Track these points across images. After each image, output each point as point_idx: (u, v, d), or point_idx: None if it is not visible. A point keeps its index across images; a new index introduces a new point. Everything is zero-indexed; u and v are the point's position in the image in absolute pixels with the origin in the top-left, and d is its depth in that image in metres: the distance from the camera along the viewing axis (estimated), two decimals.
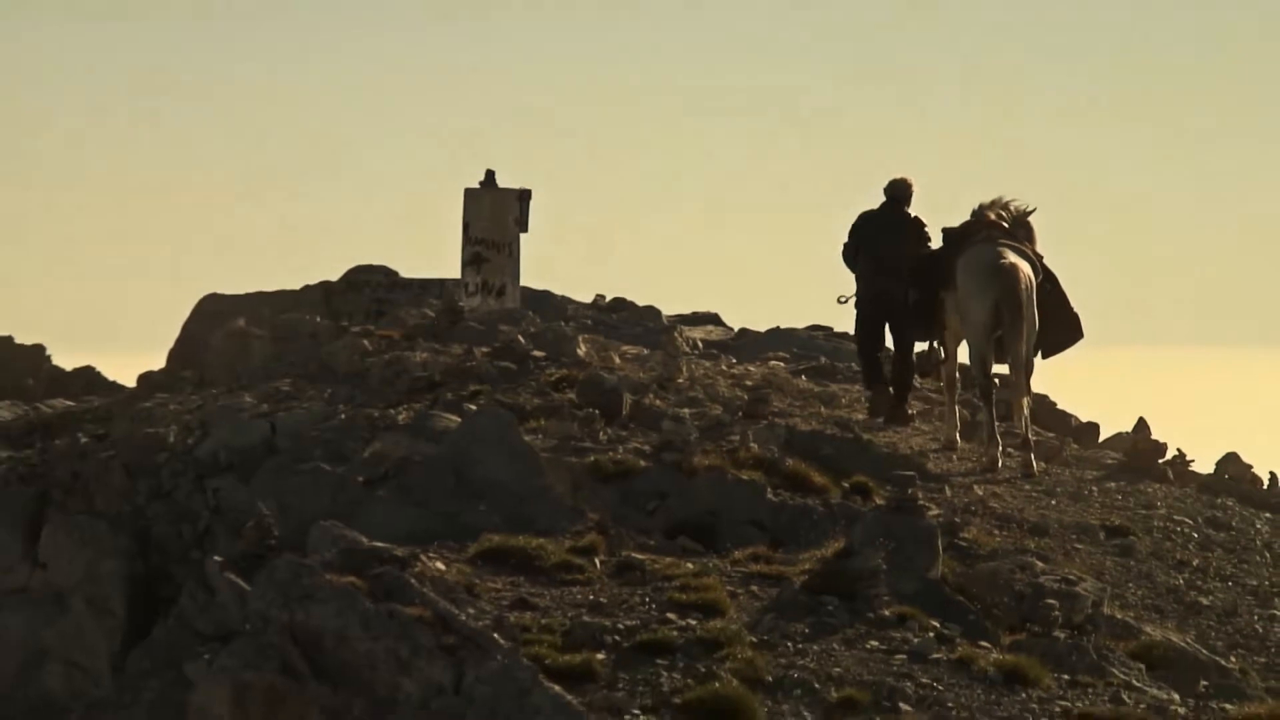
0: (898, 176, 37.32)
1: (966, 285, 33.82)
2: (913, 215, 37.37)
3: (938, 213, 37.05)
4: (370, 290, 43.02)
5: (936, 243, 37.17)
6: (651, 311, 45.71)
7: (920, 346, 38.25)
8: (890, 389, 37.70)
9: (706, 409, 35.34)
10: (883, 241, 37.35)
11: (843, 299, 37.73)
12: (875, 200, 38.01)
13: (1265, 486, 36.30)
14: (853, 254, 37.66)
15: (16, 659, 31.70)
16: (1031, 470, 33.80)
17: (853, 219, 37.82)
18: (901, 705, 24.02)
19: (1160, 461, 36.89)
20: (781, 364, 41.87)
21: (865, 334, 38.12)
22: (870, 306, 37.70)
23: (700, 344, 42.23)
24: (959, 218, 35.90)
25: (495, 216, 41.93)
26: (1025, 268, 33.81)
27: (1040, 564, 28.68)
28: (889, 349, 38.81)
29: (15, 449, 36.12)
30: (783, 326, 47.35)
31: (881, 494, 30.47)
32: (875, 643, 25.60)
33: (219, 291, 44.89)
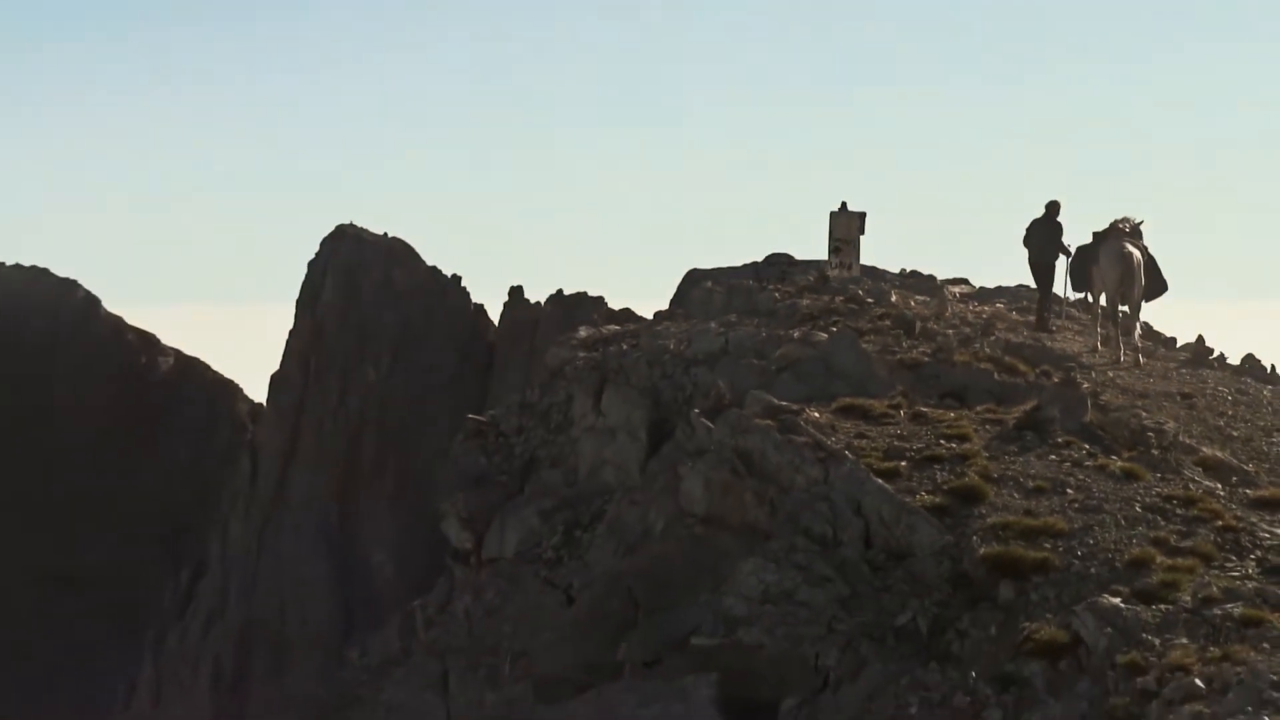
0: (1051, 199, 37.98)
1: (1105, 263, 34.26)
2: (1058, 222, 37.79)
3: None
4: (778, 266, 43.16)
5: (1068, 239, 37.87)
6: (931, 278, 45.47)
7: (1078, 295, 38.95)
8: (1051, 319, 38.28)
9: (960, 329, 35.45)
10: (1035, 239, 37.83)
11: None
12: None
13: (1269, 371, 36.37)
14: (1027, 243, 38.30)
15: (589, 465, 32.26)
16: (1138, 363, 33.95)
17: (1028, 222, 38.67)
18: (1067, 490, 24.38)
19: (1210, 358, 36.94)
20: (1002, 305, 41.72)
21: (1041, 290, 38.82)
22: (1033, 272, 38.34)
23: (957, 294, 42.13)
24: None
25: (847, 226, 42.15)
26: (1137, 254, 34.27)
27: (1144, 414, 28.80)
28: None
29: (589, 351, 36.70)
30: (1004, 285, 47.06)
31: (1057, 375, 30.71)
32: (1053, 457, 25.96)
33: (697, 266, 45.29)
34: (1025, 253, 38.32)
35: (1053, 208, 37.80)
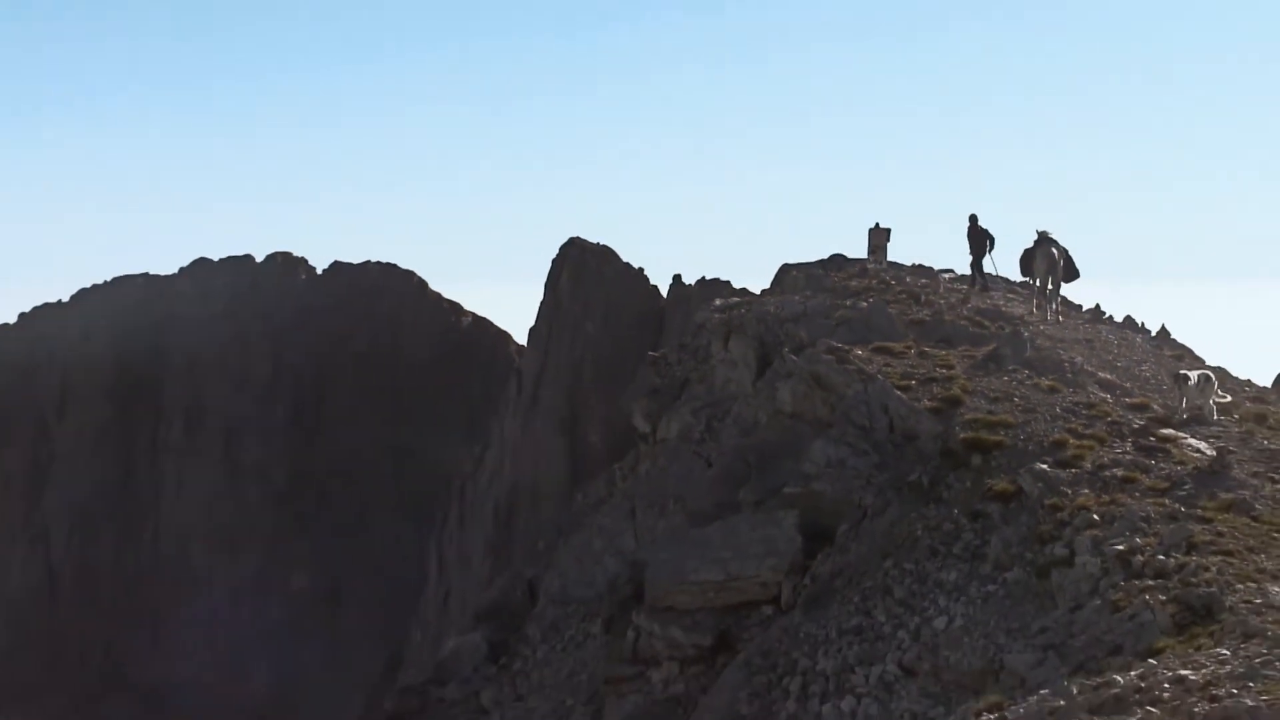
0: (971, 213, 36.95)
1: (1038, 260, 33.40)
2: (981, 228, 36.52)
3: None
4: (837, 261, 40.91)
5: (996, 237, 36.92)
6: (930, 268, 43.70)
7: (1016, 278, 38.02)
8: (977, 285, 37.09)
9: (949, 298, 34.82)
10: (971, 239, 36.86)
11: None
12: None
13: (1140, 326, 35.61)
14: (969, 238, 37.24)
15: (720, 382, 32.08)
16: (1059, 321, 33.27)
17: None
18: (1014, 399, 24.20)
19: (1103, 318, 36.22)
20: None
21: (973, 268, 37.49)
22: (971, 257, 37.11)
23: (947, 279, 40.88)
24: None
25: (879, 236, 41.33)
26: (1057, 253, 33.42)
27: (1062, 352, 28.34)
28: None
29: (721, 313, 36.10)
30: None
31: (1008, 328, 30.26)
32: (1005, 378, 25.69)
33: (788, 261, 44.04)
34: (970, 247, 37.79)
35: (973, 219, 36.98)
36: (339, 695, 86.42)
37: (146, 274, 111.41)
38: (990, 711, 13.38)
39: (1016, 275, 38.21)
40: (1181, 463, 20.80)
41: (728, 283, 75.65)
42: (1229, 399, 25.15)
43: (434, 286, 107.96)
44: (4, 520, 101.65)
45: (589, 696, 23.72)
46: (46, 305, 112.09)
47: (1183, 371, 24.61)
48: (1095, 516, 18.72)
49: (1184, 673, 12.52)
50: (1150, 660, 13.59)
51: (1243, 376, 30.93)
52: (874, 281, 37.31)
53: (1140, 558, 16.99)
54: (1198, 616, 14.80)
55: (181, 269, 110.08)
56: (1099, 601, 16.43)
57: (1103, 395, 24.94)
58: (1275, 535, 17.31)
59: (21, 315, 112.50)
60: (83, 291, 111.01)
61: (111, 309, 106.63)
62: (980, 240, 37.04)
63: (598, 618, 25.84)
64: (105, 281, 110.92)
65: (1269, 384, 30.61)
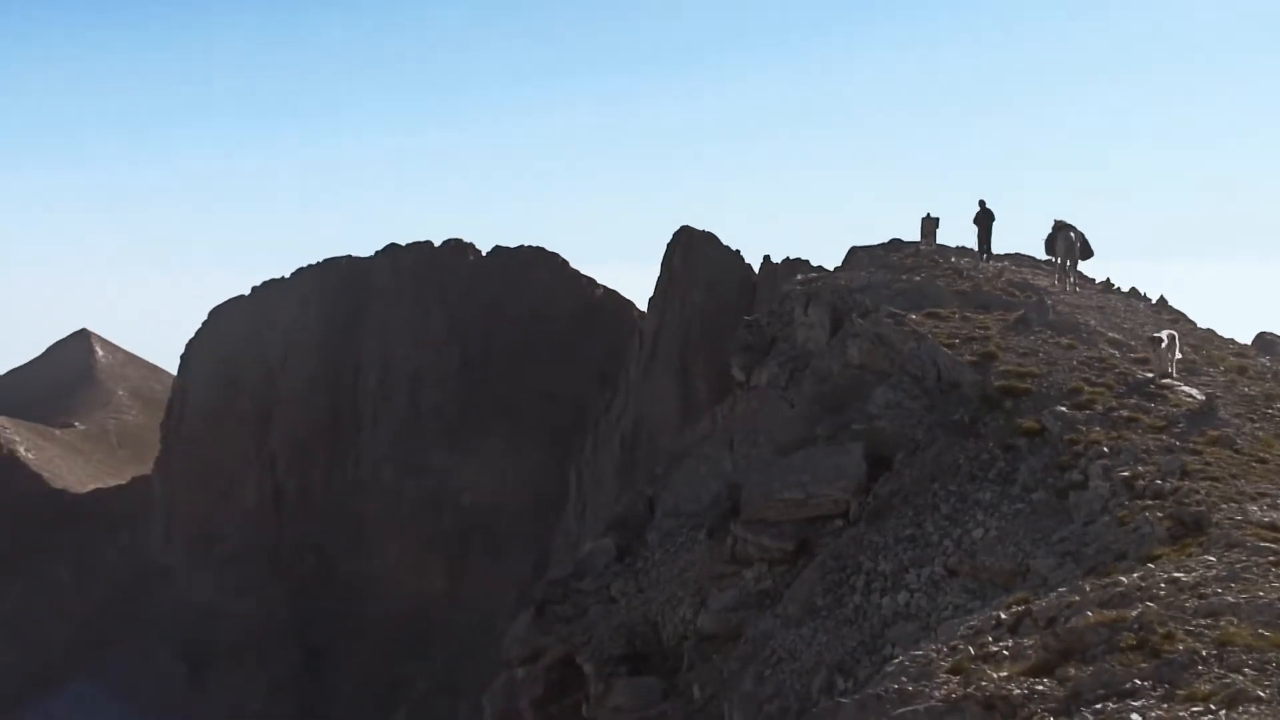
0: (980, 198, 36.48)
1: (1059, 243, 32.45)
2: (988, 210, 36.08)
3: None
4: (895, 243, 39.52)
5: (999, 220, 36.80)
6: (971, 249, 42.40)
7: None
8: (984, 256, 36.41)
9: (986, 274, 33.92)
10: (980, 220, 36.11)
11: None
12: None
13: (1144, 295, 34.65)
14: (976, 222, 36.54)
15: (800, 340, 31.14)
16: (1075, 292, 32.31)
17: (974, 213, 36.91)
18: (1039, 354, 23.86)
19: (1112, 289, 35.25)
20: (1008, 263, 39.04)
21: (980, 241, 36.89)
22: (979, 232, 36.42)
23: (985, 257, 40.21)
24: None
25: (930, 224, 40.26)
26: (1074, 236, 32.44)
27: (1078, 316, 27.67)
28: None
29: (802, 286, 34.93)
30: (1008, 253, 44.55)
31: (1034, 297, 29.58)
32: (1032, 337, 25.21)
33: (856, 244, 42.27)
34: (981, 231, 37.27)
35: (982, 204, 36.17)
36: (497, 587, 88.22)
37: (350, 255, 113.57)
38: (1018, 605, 13.43)
39: (1033, 252, 37.40)
40: (1176, 405, 20.45)
41: (807, 261, 74.93)
42: (1180, 355, 24.58)
43: (574, 265, 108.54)
44: (240, 450, 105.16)
45: (695, 589, 24.05)
46: (273, 280, 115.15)
47: (1155, 334, 23.97)
48: (1105, 449, 18.53)
49: (1177, 575, 12.48)
50: (1149, 565, 13.54)
51: (1227, 336, 30.11)
52: (925, 260, 36.64)
53: (1142, 482, 16.83)
54: (1188, 530, 14.67)
55: (377, 252, 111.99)
56: (1108, 517, 16.32)
57: (1111, 351, 24.46)
58: (1254, 465, 17.04)
59: (254, 288, 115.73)
60: (300, 270, 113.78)
61: (323, 283, 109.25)
62: (987, 220, 36.50)
63: (703, 527, 26.08)
64: (318, 262, 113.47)
65: (1249, 342, 29.79)
